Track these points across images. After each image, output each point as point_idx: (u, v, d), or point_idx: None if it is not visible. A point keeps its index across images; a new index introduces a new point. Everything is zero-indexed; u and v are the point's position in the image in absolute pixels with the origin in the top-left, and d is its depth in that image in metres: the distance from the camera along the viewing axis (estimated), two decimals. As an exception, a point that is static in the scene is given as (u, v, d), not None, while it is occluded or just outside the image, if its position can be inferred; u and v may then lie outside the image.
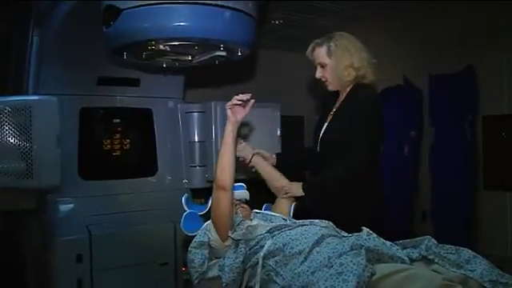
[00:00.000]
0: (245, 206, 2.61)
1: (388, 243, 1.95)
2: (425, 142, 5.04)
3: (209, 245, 2.29)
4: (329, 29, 5.08)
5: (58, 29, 3.30)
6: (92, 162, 3.79)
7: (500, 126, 4.48)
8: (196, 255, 2.31)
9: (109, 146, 3.88)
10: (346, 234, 2.16)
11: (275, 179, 2.76)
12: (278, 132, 4.17)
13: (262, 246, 2.10)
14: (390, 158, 4.98)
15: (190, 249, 2.35)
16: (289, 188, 2.68)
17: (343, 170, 2.60)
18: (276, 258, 2.02)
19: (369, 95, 2.70)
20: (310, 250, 1.93)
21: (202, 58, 3.11)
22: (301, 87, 5.86)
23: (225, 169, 2.30)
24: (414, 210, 5.09)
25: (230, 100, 2.44)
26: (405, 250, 1.94)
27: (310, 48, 2.80)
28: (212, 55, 3.01)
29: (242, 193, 2.70)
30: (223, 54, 2.95)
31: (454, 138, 4.71)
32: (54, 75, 3.48)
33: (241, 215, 2.39)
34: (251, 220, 2.43)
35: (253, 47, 3.03)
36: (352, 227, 2.11)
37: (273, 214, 2.55)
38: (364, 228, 1.99)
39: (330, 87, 2.78)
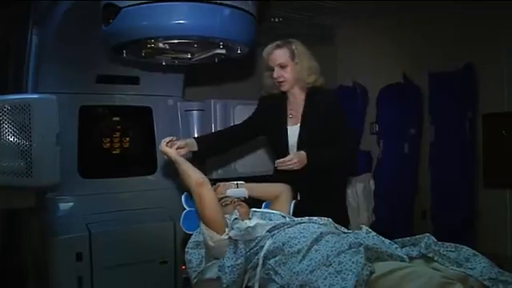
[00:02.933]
0: (243, 204, 2.60)
1: (387, 241, 1.95)
2: (424, 140, 5.03)
3: (205, 244, 2.28)
4: (328, 27, 5.11)
5: (57, 27, 3.29)
6: (91, 161, 3.78)
7: (500, 123, 4.47)
8: (193, 255, 2.31)
9: (108, 145, 3.88)
10: (345, 230, 2.16)
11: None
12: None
13: (262, 246, 2.09)
14: (389, 156, 4.99)
15: (186, 249, 2.35)
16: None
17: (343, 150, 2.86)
18: (276, 257, 2.02)
19: (335, 95, 3.04)
20: (309, 249, 1.93)
21: (202, 56, 3.10)
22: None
23: (191, 171, 2.44)
24: (414, 208, 5.08)
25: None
26: (404, 249, 1.94)
27: (269, 48, 2.90)
28: (211, 53, 3.00)
29: (241, 191, 2.70)
30: (222, 52, 2.93)
31: (453, 135, 4.71)
32: (54, 74, 3.49)
33: (238, 213, 2.38)
34: (250, 219, 2.43)
35: (252, 45, 3.02)
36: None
37: (272, 211, 2.55)
38: (363, 226, 1.99)
39: (285, 88, 2.90)
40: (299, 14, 4.67)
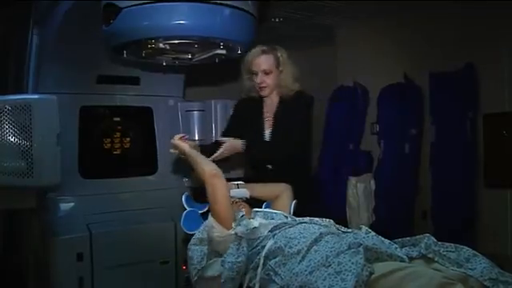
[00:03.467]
0: (245, 204, 2.61)
1: (387, 241, 1.95)
2: (425, 140, 5.02)
3: (210, 239, 2.28)
4: (329, 27, 5.11)
5: (58, 28, 3.30)
6: (92, 161, 3.79)
7: (501, 123, 4.46)
8: (195, 252, 2.30)
9: (109, 145, 3.89)
10: (345, 230, 2.16)
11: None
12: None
13: (264, 246, 2.09)
14: (390, 156, 4.98)
15: (189, 246, 2.34)
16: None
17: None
18: (276, 258, 2.02)
19: (307, 98, 3.01)
20: (308, 250, 1.93)
21: (202, 57, 3.10)
22: (302, 86, 5.85)
23: (205, 162, 2.47)
24: (414, 208, 5.08)
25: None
26: (404, 249, 1.94)
27: (254, 53, 2.91)
28: (212, 53, 3.00)
29: (242, 191, 2.70)
30: (223, 52, 2.94)
31: (454, 135, 4.69)
32: (54, 74, 3.49)
33: (243, 213, 2.38)
34: (252, 219, 2.43)
35: (252, 45, 3.03)
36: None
37: (274, 211, 2.55)
38: (362, 226, 1.99)
39: (266, 93, 2.95)
40: (299, 14, 4.66)
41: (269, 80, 2.90)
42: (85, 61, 3.51)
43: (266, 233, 2.18)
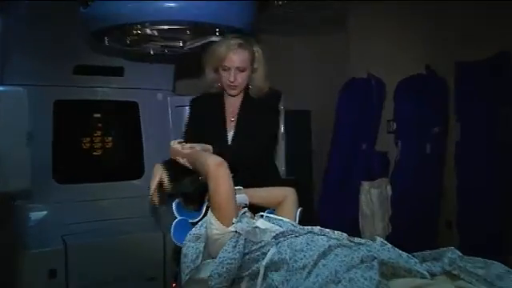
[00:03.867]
0: (245, 210, 2.59)
1: (405, 255, 1.93)
2: (450, 140, 5.01)
3: (207, 237, 2.27)
4: (339, 11, 5.09)
5: (26, 11, 3.29)
6: (68, 163, 3.79)
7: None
8: (190, 249, 2.29)
9: (88, 145, 3.89)
10: (358, 241, 2.14)
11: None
12: (282, 129, 4.16)
13: (265, 254, 2.08)
14: (410, 157, 4.96)
15: (184, 242, 2.34)
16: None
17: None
18: (279, 272, 2.01)
19: (276, 96, 3.03)
20: (315, 264, 1.91)
21: (195, 44, 3.11)
22: (306, 77, 5.84)
23: (208, 155, 2.50)
24: (437, 217, 5.07)
25: None
26: (425, 264, 1.92)
27: (230, 45, 2.79)
28: (206, 41, 3.01)
29: (241, 197, 2.69)
30: (218, 39, 2.94)
31: (484, 134, 4.67)
32: (23, 64, 3.48)
33: (248, 215, 2.37)
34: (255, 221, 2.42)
35: (252, 32, 3.02)
36: None
37: (282, 218, 2.53)
38: (377, 237, 1.97)
39: (236, 92, 2.90)
40: (306, -4, 4.65)
41: (241, 78, 2.84)
42: (59, 49, 3.51)
43: (268, 239, 2.16)
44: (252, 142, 2.83)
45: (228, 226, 2.21)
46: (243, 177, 2.78)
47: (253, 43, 2.86)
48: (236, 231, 2.15)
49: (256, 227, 2.21)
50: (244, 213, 2.30)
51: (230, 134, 2.92)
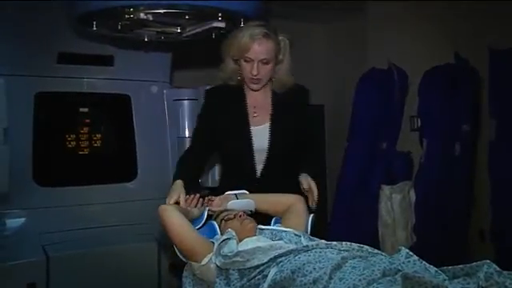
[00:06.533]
0: (250, 218, 2.58)
1: (432, 269, 1.91)
2: (482, 139, 5.00)
3: (193, 274, 2.29)
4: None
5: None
6: (51, 164, 3.79)
7: None
8: (186, 279, 2.34)
9: (74, 143, 3.88)
10: (375, 252, 2.13)
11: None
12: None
13: (266, 276, 2.06)
14: (436, 159, 4.95)
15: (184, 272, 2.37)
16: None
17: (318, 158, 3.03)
18: (285, 290, 1.99)
19: (303, 91, 3.08)
20: (330, 277, 1.89)
21: (195, 31, 3.11)
22: (319, 68, 5.83)
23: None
24: (469, 226, 5.05)
25: None
26: (456, 280, 1.90)
27: (253, 35, 2.76)
28: (207, 27, 3.01)
29: (248, 202, 2.68)
30: (221, 25, 2.94)
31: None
32: (-1, 51, 3.48)
33: (233, 233, 2.36)
34: (256, 235, 2.41)
35: (259, 17, 3.00)
36: None
37: (283, 229, 2.52)
38: (402, 248, 1.95)
39: (259, 86, 2.90)
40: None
41: (265, 71, 2.82)
42: (41, 34, 3.50)
43: (265, 259, 2.15)
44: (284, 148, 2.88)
45: (197, 259, 2.25)
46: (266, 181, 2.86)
47: (276, 33, 2.84)
48: (219, 267, 2.16)
49: (242, 252, 2.19)
50: (224, 240, 2.29)
51: (255, 130, 2.91)
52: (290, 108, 2.93)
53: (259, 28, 2.75)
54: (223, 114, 2.95)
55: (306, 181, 2.83)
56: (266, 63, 2.77)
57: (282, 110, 2.93)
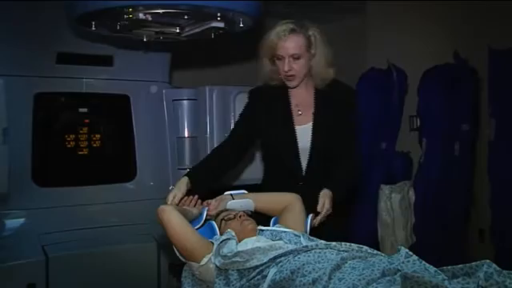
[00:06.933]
0: (250, 219, 2.58)
1: (432, 269, 1.91)
2: (482, 139, 5.00)
3: (193, 275, 2.30)
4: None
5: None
6: (50, 164, 3.80)
7: None
8: (185, 279, 2.34)
9: (73, 143, 3.88)
10: (374, 252, 2.13)
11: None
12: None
13: (265, 276, 2.07)
14: (435, 158, 4.94)
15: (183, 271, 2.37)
16: None
17: (354, 163, 2.95)
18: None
19: (348, 90, 3.08)
20: (330, 278, 1.90)
21: (194, 31, 3.11)
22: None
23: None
24: (468, 226, 5.05)
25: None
26: (456, 280, 1.90)
27: (281, 32, 2.78)
28: (206, 27, 3.00)
29: (244, 202, 2.68)
30: (221, 25, 2.94)
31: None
32: (-1, 51, 3.48)
33: (233, 233, 2.36)
34: (256, 236, 2.41)
35: (258, 16, 3.01)
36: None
37: (283, 229, 2.52)
38: (402, 247, 1.95)
39: (295, 83, 2.88)
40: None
41: (298, 67, 2.81)
42: (40, 34, 3.50)
43: (265, 260, 2.15)
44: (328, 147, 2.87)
45: (195, 259, 2.25)
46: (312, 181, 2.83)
47: (309, 26, 2.84)
48: (218, 267, 2.16)
49: (241, 252, 2.20)
50: (223, 241, 2.29)
51: (299, 129, 2.91)
52: (333, 106, 2.90)
53: (286, 25, 2.77)
54: (266, 114, 2.94)
55: (322, 200, 2.68)
56: (298, 58, 2.77)
57: (324, 108, 2.91)
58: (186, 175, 2.80)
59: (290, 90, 2.94)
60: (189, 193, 2.73)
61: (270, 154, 3.04)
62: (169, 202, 2.62)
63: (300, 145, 2.89)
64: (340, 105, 2.91)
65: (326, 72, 2.88)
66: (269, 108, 2.95)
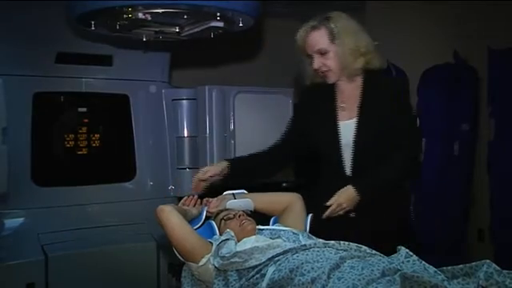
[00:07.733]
0: (250, 219, 2.58)
1: (431, 269, 1.91)
2: (481, 139, 5.00)
3: (192, 275, 2.30)
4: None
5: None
6: (50, 163, 3.80)
7: None
8: (185, 279, 2.35)
9: (72, 143, 3.87)
10: (373, 252, 2.13)
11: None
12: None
13: (264, 275, 2.07)
14: (435, 159, 4.94)
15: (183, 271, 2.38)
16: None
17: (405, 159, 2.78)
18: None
19: (399, 80, 3.08)
20: (329, 277, 1.90)
21: (193, 31, 3.11)
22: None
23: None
24: (468, 226, 5.05)
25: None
26: (455, 280, 1.90)
27: (302, 32, 2.77)
28: (206, 26, 3.00)
29: (247, 202, 2.68)
30: (220, 25, 2.94)
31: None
32: (-2, 51, 3.48)
33: (232, 233, 2.36)
34: (256, 235, 2.41)
35: (258, 16, 3.01)
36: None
37: (281, 228, 2.52)
38: (401, 248, 1.95)
39: (332, 79, 2.81)
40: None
41: (328, 61, 2.74)
42: (40, 34, 3.50)
43: (263, 259, 2.15)
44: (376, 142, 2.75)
45: (195, 260, 2.25)
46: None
47: (331, 18, 2.79)
48: (217, 268, 2.16)
49: (239, 253, 2.20)
50: (222, 241, 2.29)
51: (343, 125, 2.82)
52: (381, 99, 2.78)
53: (309, 22, 2.76)
54: (313, 113, 2.91)
55: (337, 196, 2.60)
56: (325, 53, 2.72)
57: (372, 101, 2.80)
58: (227, 159, 2.80)
59: (336, 85, 2.87)
60: (224, 179, 2.76)
61: (317, 154, 2.95)
62: (200, 176, 2.64)
63: (343, 141, 2.80)
64: (390, 96, 2.78)
65: (353, 63, 2.76)
66: (316, 107, 2.91)
